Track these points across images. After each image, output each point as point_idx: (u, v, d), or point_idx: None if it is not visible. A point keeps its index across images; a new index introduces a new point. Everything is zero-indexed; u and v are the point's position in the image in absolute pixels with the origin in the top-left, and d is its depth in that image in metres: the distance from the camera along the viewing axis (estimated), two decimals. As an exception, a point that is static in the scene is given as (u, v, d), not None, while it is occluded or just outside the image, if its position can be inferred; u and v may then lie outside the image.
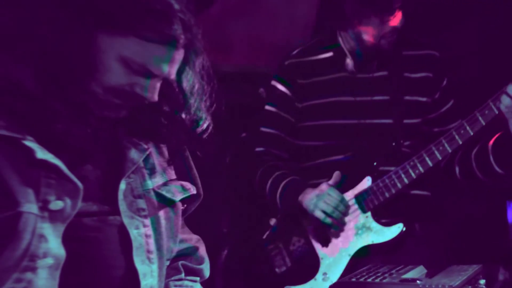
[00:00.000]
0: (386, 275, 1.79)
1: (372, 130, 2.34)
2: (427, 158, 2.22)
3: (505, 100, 2.06)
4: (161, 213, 1.37)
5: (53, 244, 1.17)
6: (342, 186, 2.27)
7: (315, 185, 2.28)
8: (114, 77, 1.20)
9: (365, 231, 2.28)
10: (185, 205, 1.48)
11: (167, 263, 1.42)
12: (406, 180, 2.24)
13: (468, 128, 2.15)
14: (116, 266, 1.27)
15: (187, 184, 1.46)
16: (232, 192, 2.78)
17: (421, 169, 2.22)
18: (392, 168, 2.27)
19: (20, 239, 1.13)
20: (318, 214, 2.22)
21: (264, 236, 2.44)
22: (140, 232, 1.30)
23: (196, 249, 1.55)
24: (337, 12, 2.37)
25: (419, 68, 2.39)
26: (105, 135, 1.28)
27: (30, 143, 1.16)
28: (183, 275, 1.49)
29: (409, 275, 1.78)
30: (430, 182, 2.38)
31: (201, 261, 1.55)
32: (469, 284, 1.71)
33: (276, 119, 2.46)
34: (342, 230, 2.29)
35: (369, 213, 2.29)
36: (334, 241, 2.31)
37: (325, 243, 2.32)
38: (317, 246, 2.34)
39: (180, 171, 1.47)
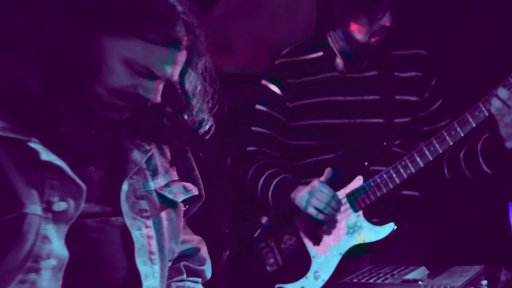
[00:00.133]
0: (387, 275, 1.79)
1: (363, 129, 2.35)
2: (418, 159, 2.23)
3: (495, 102, 2.08)
4: (163, 214, 1.37)
5: (56, 245, 1.17)
6: (334, 185, 2.27)
7: (307, 184, 2.28)
8: (117, 78, 1.20)
9: (356, 230, 2.29)
10: (187, 206, 1.48)
11: (169, 264, 1.42)
12: (397, 180, 2.25)
13: (458, 129, 2.17)
14: (118, 267, 1.27)
15: (189, 185, 1.46)
16: (234, 193, 2.78)
17: (412, 169, 2.23)
18: (383, 168, 2.28)
19: (24, 240, 1.13)
20: (311, 210, 2.22)
21: (256, 235, 2.44)
22: (142, 233, 1.30)
23: (198, 250, 1.54)
24: (325, 11, 2.37)
25: (408, 68, 2.39)
26: (108, 136, 1.28)
27: (34, 145, 1.16)
28: (185, 276, 1.49)
29: (411, 276, 1.78)
30: (419, 183, 2.39)
31: (203, 262, 1.55)
32: (471, 285, 1.72)
33: (267, 119, 2.46)
34: (333, 227, 2.29)
35: (360, 212, 2.30)
36: (325, 239, 2.31)
37: (317, 241, 2.32)
38: (309, 244, 2.34)
39: (182, 172, 1.47)
